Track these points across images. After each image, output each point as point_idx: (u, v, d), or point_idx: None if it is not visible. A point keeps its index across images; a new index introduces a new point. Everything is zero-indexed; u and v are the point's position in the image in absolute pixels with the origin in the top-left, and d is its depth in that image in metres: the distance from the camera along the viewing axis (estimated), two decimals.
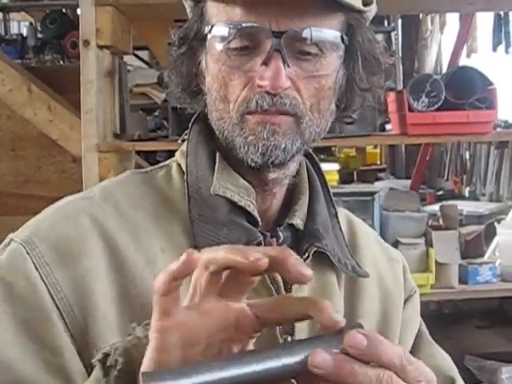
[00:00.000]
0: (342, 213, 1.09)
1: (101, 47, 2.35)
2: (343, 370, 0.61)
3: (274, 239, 0.93)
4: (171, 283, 0.61)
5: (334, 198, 1.04)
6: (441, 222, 2.82)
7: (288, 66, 0.84)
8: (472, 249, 2.86)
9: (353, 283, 1.00)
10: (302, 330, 0.89)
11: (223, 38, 0.86)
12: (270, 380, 0.63)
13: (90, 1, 2.29)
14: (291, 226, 0.95)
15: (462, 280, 2.70)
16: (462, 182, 5.30)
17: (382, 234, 2.69)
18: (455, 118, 2.50)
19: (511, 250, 2.77)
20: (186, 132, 0.99)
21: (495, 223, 2.97)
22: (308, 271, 0.62)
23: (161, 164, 1.01)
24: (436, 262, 2.62)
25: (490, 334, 3.30)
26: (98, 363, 0.70)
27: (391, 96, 2.80)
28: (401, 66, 6.18)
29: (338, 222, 1.02)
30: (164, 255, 0.88)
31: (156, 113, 4.03)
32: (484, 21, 4.91)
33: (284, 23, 0.84)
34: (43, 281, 0.83)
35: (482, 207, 3.68)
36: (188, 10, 0.96)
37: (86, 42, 2.32)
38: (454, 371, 1.06)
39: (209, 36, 0.88)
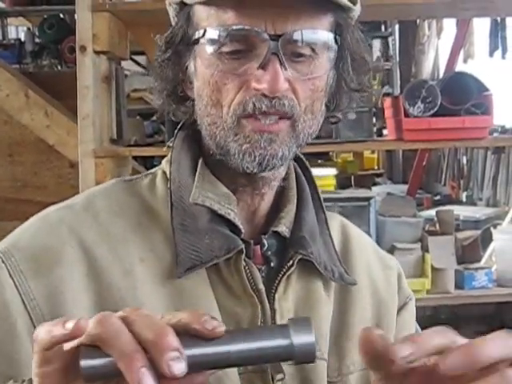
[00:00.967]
0: (337, 219, 1.08)
1: (97, 53, 2.35)
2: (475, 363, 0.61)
3: (258, 247, 0.93)
4: (53, 344, 0.60)
5: (324, 204, 1.03)
6: (437, 227, 2.83)
7: (285, 68, 0.84)
8: (469, 254, 2.86)
9: (345, 290, 0.99)
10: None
11: (216, 42, 0.85)
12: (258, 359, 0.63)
13: (87, 6, 2.30)
14: (277, 233, 0.94)
15: (458, 285, 2.70)
16: (459, 186, 5.32)
17: (378, 240, 2.69)
18: (451, 124, 2.50)
19: (507, 256, 2.77)
20: (171, 140, 0.98)
21: (491, 228, 2.98)
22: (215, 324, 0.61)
23: (147, 172, 1.00)
24: (432, 267, 2.62)
25: None
26: None
27: (387, 101, 2.81)
28: (398, 71, 6.21)
29: (328, 229, 1.01)
30: (143, 264, 0.87)
31: (153, 117, 4.04)
32: (481, 26, 4.93)
33: (279, 26, 0.83)
34: (17, 289, 0.83)
35: (479, 212, 3.69)
36: (172, 14, 0.94)
37: (83, 48, 2.32)
38: None
39: (201, 40, 0.87)
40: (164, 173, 0.97)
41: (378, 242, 2.70)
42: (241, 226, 0.91)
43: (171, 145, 0.97)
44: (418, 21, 5.63)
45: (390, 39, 6.45)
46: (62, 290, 0.83)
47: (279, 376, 0.88)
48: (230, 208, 0.90)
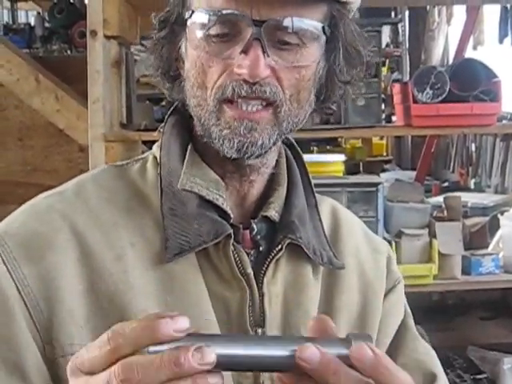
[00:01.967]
0: (328, 203, 1.08)
1: (108, 37, 2.36)
2: (328, 369, 0.62)
3: (248, 231, 0.92)
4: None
5: (314, 188, 1.02)
6: (445, 213, 2.84)
7: (268, 55, 0.83)
8: (476, 240, 2.87)
9: (332, 274, 0.99)
10: (273, 319, 0.90)
11: (203, 25, 0.85)
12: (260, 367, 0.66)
13: None
14: (267, 218, 0.94)
15: (465, 271, 2.71)
16: (467, 173, 5.32)
17: (386, 225, 2.70)
18: (459, 110, 2.51)
19: None
20: (161, 125, 0.99)
21: (499, 215, 2.98)
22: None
23: (138, 157, 1.00)
24: (439, 253, 2.63)
25: (493, 325, 3.32)
26: None
27: (396, 87, 2.81)
28: (408, 58, 6.20)
29: (318, 213, 1.01)
30: (134, 249, 0.88)
31: (163, 103, 4.05)
32: (491, 13, 4.91)
33: (265, 12, 0.82)
34: (11, 275, 0.84)
35: (487, 199, 3.69)
36: None
37: (94, 33, 2.33)
38: (437, 367, 1.04)
39: (189, 22, 0.87)
40: (155, 158, 0.97)
41: (386, 227, 2.71)
42: (229, 212, 0.91)
43: (161, 130, 0.97)
44: (428, 7, 5.61)
45: (399, 25, 6.44)
46: (54, 276, 0.84)
47: None
48: (218, 193, 0.91)
